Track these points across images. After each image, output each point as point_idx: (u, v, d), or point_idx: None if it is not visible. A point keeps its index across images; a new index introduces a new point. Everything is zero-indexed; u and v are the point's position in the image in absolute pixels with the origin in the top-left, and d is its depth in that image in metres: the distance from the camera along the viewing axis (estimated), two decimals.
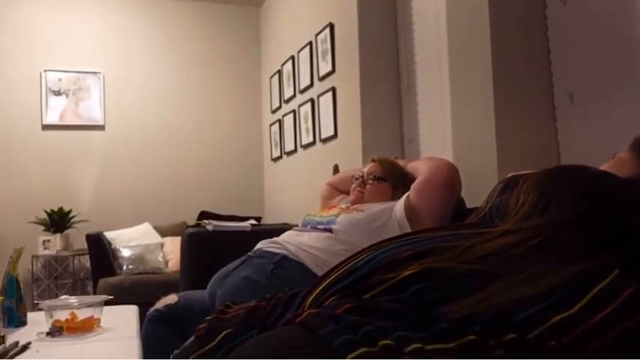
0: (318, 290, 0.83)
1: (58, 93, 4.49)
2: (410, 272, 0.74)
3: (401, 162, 2.07)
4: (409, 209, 1.76)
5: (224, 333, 0.90)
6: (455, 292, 0.70)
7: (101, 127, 4.58)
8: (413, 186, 1.82)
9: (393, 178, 1.96)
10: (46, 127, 4.45)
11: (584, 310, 0.64)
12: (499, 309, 0.65)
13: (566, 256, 0.74)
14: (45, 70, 4.44)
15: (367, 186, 1.96)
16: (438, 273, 0.74)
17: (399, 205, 1.79)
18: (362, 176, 1.99)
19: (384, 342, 0.60)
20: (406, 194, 1.82)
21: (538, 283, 0.69)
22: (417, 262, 0.76)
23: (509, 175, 1.56)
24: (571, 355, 0.60)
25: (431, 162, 1.89)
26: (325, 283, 0.83)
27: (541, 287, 0.68)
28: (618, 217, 0.82)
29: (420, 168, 1.88)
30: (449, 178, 1.79)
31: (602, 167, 1.20)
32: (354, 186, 2.00)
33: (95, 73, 4.57)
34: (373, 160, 2.04)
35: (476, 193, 1.81)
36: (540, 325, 0.62)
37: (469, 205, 1.83)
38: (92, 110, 4.57)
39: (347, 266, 0.84)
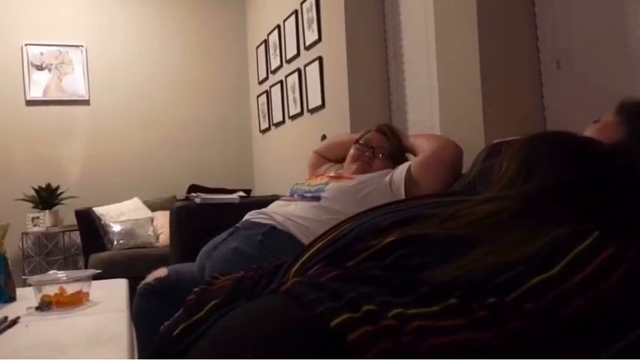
0: (302, 259, 0.84)
1: (40, 67, 4.41)
2: (392, 239, 0.74)
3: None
4: (409, 180, 1.76)
5: (211, 304, 0.90)
6: (437, 258, 0.71)
7: (86, 102, 4.51)
8: (417, 159, 1.83)
9: (396, 155, 1.96)
10: (30, 103, 4.38)
11: (563, 271, 0.65)
12: (480, 274, 0.66)
13: (547, 222, 0.75)
14: (26, 44, 4.35)
15: (376, 159, 1.93)
16: (420, 239, 0.74)
17: (398, 174, 1.79)
18: (372, 147, 1.95)
19: (367, 307, 0.61)
20: (407, 164, 1.82)
21: (519, 249, 0.70)
22: (400, 230, 0.77)
23: (494, 142, 1.57)
24: (549, 316, 0.61)
25: (437, 140, 1.87)
26: (309, 253, 0.83)
27: (522, 252, 0.69)
28: (600, 184, 0.82)
29: (422, 145, 1.88)
30: (453, 159, 1.80)
31: (587, 132, 1.20)
32: (359, 153, 1.94)
33: (78, 46, 4.48)
34: (381, 132, 1.99)
35: (464, 160, 1.82)
36: (519, 287, 0.63)
37: None
38: (76, 85, 4.49)
39: (331, 235, 0.84)
